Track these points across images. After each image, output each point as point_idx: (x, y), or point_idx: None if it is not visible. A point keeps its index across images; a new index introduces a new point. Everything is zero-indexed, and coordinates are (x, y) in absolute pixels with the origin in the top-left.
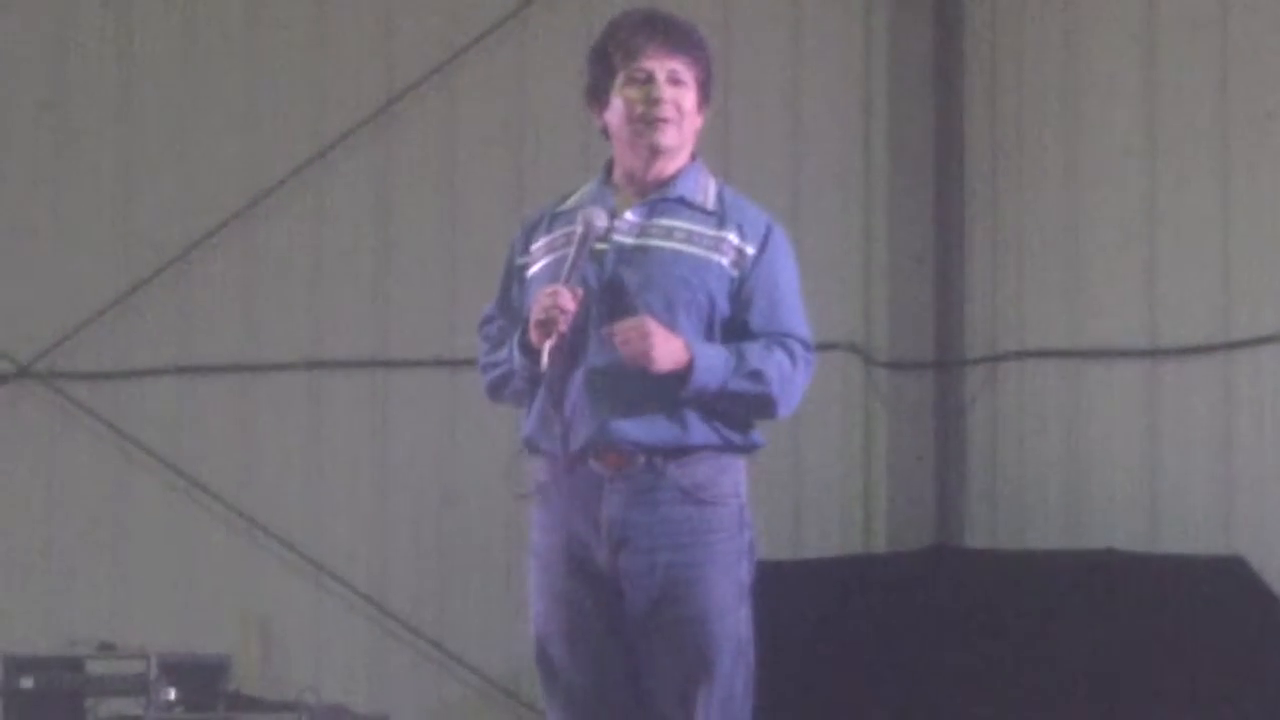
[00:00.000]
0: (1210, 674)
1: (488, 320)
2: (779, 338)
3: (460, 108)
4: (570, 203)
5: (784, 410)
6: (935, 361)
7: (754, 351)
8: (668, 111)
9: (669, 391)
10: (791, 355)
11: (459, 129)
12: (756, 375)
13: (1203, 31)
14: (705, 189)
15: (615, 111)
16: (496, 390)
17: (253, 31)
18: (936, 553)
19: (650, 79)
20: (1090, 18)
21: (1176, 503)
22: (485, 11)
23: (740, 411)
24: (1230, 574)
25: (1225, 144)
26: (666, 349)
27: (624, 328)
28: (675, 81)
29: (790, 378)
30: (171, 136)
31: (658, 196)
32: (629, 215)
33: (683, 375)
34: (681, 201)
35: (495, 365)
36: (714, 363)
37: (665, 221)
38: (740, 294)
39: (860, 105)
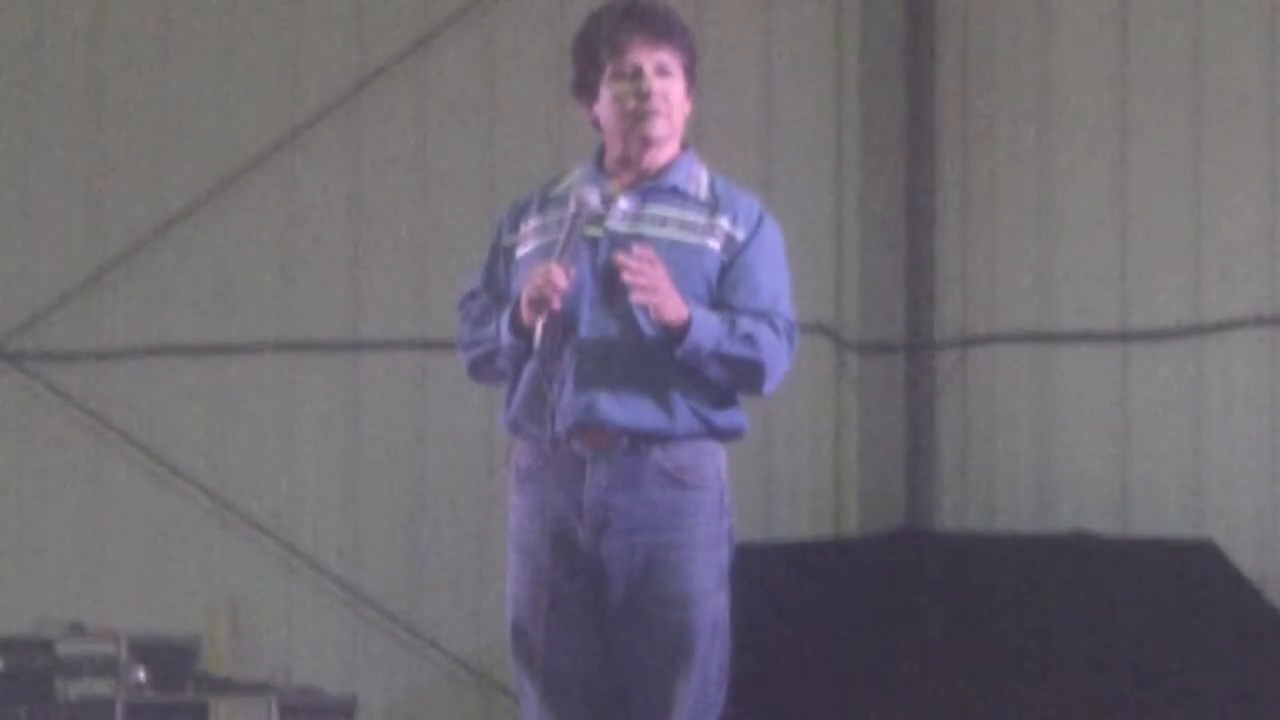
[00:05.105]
0: (1180, 656)
1: (470, 297)
2: (765, 315)
3: (432, 90)
4: (562, 186)
5: (771, 383)
6: (906, 344)
7: (745, 320)
8: (658, 104)
9: (657, 376)
10: (777, 330)
11: (431, 111)
12: (749, 339)
13: (1175, 18)
14: (698, 179)
15: (605, 104)
16: (478, 369)
17: (225, 13)
18: (906, 535)
19: (639, 73)
20: (1063, 3)
21: (1147, 486)
22: None
23: (730, 380)
24: (1200, 557)
25: (1197, 130)
26: (671, 293)
27: (637, 255)
28: (663, 73)
29: (778, 349)
30: (143, 118)
31: (650, 185)
32: (622, 202)
33: (679, 332)
34: (674, 191)
35: (478, 343)
36: (710, 322)
37: (658, 210)
38: (727, 276)
39: (832, 89)
